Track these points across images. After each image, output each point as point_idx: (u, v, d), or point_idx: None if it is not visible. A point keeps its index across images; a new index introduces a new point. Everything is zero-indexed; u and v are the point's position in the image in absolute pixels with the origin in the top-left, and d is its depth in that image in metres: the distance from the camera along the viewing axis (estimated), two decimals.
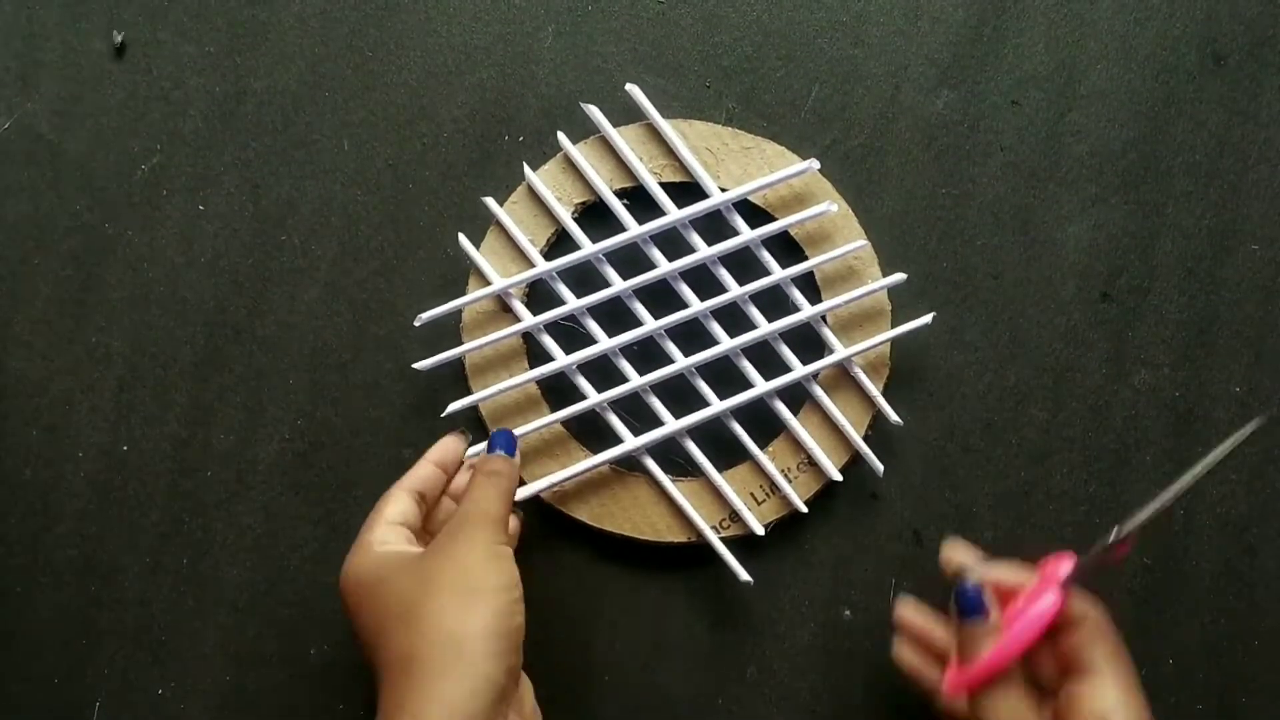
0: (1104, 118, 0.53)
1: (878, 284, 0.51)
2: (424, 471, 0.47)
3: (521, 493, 0.50)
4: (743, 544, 0.51)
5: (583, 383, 0.51)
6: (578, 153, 0.51)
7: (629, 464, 0.52)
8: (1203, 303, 0.53)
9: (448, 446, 0.49)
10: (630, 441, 0.51)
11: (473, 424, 0.52)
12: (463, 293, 0.51)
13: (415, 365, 0.50)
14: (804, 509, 0.51)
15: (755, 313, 0.51)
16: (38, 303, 0.53)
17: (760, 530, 0.51)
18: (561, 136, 0.51)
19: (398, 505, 0.45)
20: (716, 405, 0.51)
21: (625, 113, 0.52)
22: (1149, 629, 0.52)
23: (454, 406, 0.50)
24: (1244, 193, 0.53)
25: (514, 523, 0.49)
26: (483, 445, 0.49)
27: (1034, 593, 0.44)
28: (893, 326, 0.51)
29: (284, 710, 0.52)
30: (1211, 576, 0.52)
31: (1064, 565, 0.44)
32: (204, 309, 0.53)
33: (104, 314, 0.53)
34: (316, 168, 0.53)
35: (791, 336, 0.51)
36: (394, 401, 0.53)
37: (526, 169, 0.51)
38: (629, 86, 0.51)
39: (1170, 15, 0.53)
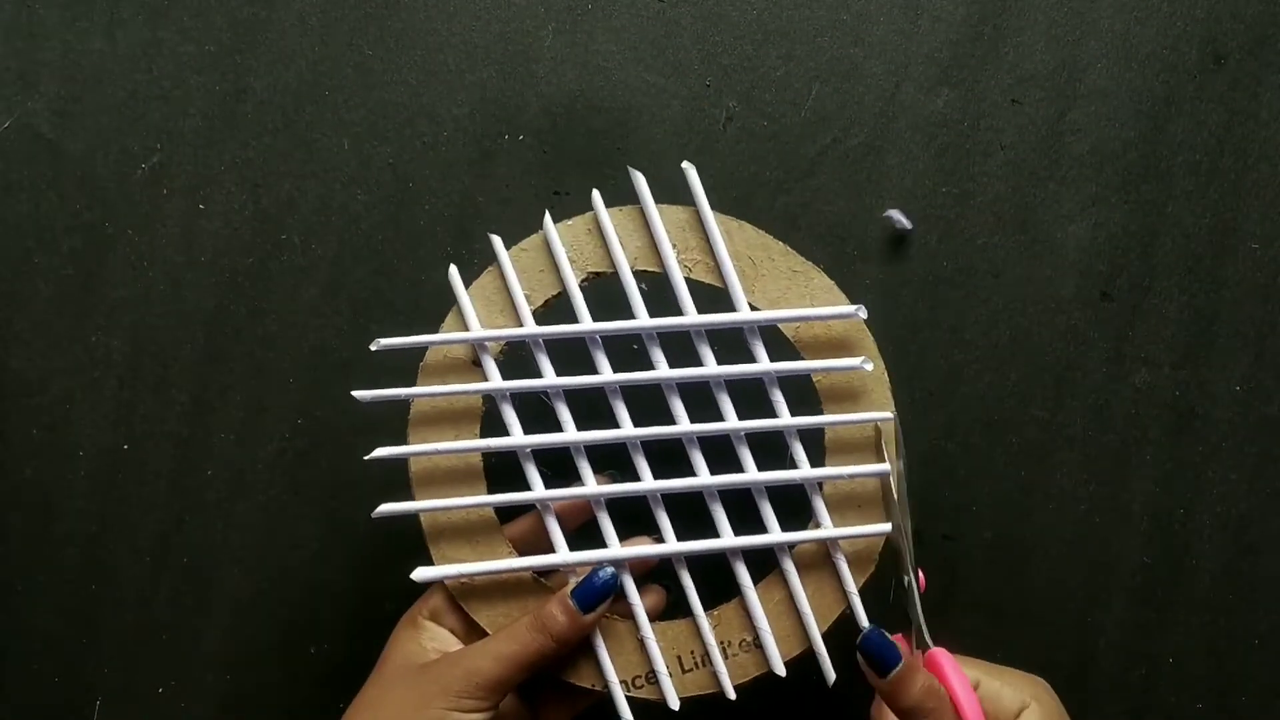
0: (1104, 116, 0.53)
1: (883, 468, 0.45)
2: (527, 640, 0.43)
3: (425, 573, 0.44)
4: (656, 712, 0.45)
5: (532, 472, 0.45)
6: (608, 219, 0.46)
7: (555, 579, 0.46)
8: (1203, 302, 0.53)
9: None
10: (562, 554, 0.45)
11: (397, 482, 0.46)
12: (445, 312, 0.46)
13: (355, 394, 0.45)
14: (732, 695, 0.44)
15: (747, 455, 0.45)
16: (38, 303, 0.53)
17: (675, 704, 0.44)
18: (596, 196, 0.46)
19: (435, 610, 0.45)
20: (670, 545, 0.45)
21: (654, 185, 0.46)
22: (1149, 629, 0.52)
23: (380, 453, 0.44)
24: (1244, 191, 0.53)
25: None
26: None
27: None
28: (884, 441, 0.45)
29: (284, 710, 0.52)
30: (1211, 576, 0.52)
31: (902, 645, 0.43)
32: (204, 309, 0.53)
33: (104, 314, 0.53)
34: (316, 167, 0.53)
35: (778, 491, 0.46)
36: (394, 401, 0.53)
37: (548, 219, 0.46)
38: (685, 165, 0.46)
39: (1170, 14, 0.53)
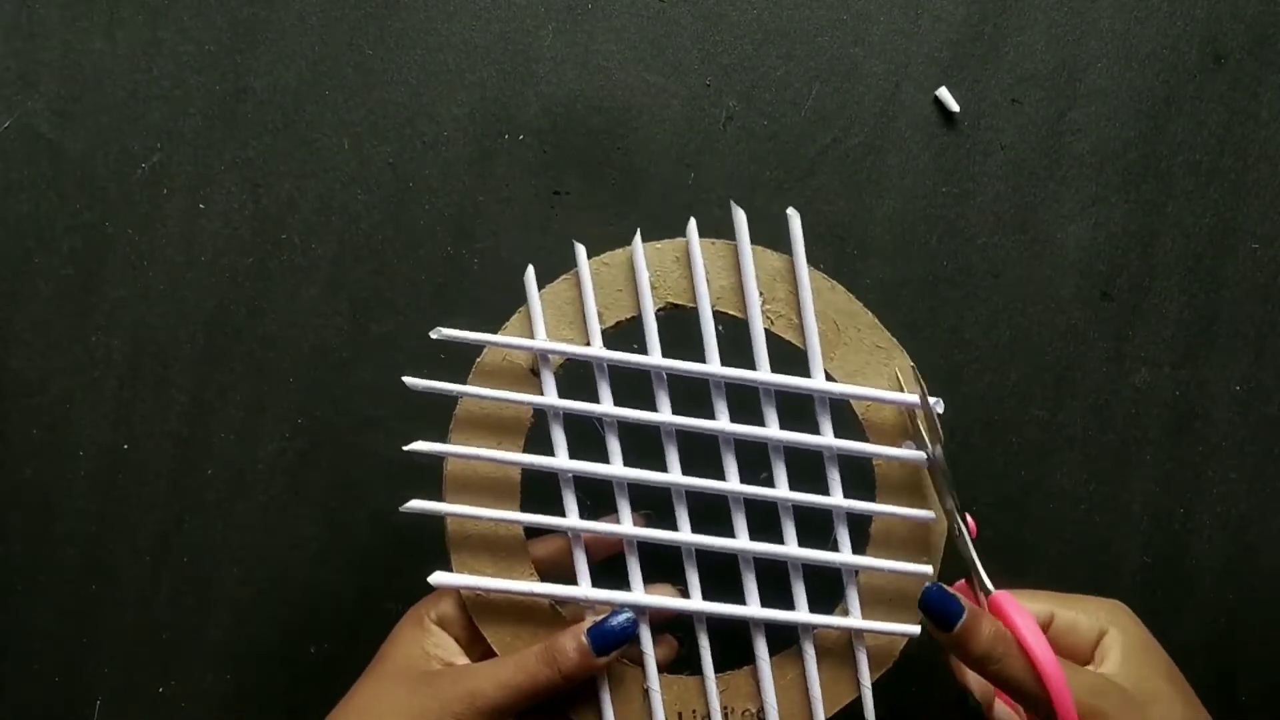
0: (1104, 116, 0.53)
1: (925, 569, 0.44)
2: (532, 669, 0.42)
3: (443, 579, 0.43)
4: None
5: (570, 499, 0.44)
6: (699, 251, 0.44)
7: (570, 609, 0.45)
8: (1203, 301, 0.53)
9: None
10: (585, 588, 0.44)
11: (401, 482, 0.44)
12: (465, 306, 0.46)
13: (406, 379, 0.43)
14: None
15: (790, 527, 0.44)
16: (38, 303, 0.53)
17: None
18: (691, 225, 0.44)
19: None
20: (695, 602, 0.44)
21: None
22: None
23: (419, 446, 0.43)
24: (1244, 191, 0.53)
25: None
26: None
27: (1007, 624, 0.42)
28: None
29: (284, 710, 0.52)
30: (1211, 576, 0.52)
31: (962, 591, 0.43)
32: (204, 309, 0.53)
33: (104, 314, 0.53)
34: (316, 167, 0.53)
35: (811, 567, 0.45)
36: (394, 401, 0.53)
37: (638, 239, 0.44)
38: (790, 212, 0.44)
39: (1171, 14, 0.53)
